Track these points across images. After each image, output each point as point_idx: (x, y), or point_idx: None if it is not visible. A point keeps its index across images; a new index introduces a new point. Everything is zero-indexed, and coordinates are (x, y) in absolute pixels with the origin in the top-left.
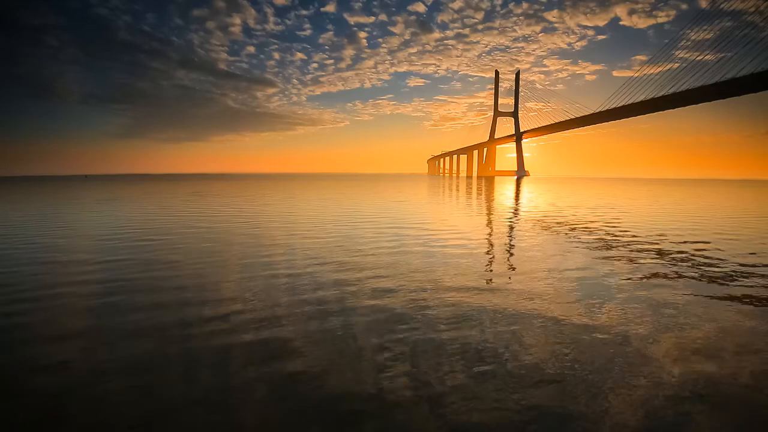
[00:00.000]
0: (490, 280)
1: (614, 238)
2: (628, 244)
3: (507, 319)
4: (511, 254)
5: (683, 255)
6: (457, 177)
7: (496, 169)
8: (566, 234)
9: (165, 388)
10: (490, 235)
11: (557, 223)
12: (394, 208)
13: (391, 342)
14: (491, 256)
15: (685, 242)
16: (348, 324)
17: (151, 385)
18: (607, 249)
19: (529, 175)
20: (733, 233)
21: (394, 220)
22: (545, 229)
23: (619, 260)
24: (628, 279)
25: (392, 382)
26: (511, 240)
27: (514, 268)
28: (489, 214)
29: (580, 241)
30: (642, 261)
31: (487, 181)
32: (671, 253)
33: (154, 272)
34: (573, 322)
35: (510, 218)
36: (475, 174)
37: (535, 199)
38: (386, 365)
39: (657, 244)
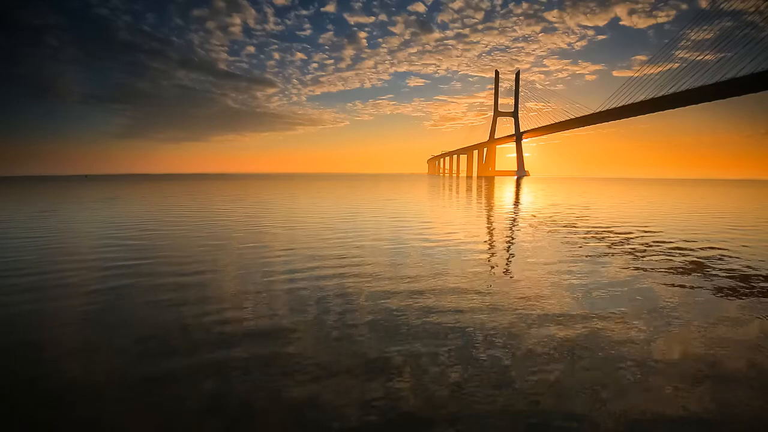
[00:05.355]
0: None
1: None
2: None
3: None
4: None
5: None
6: (457, 177)
7: (496, 169)
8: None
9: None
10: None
11: (619, 241)
12: (404, 210)
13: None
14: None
15: None
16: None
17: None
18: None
19: (529, 175)
20: None
21: (419, 229)
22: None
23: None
24: None
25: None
26: (588, 267)
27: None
28: (517, 226)
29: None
30: None
31: (488, 182)
32: None
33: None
34: None
35: (552, 228)
36: (475, 174)
37: (560, 202)
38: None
39: None
